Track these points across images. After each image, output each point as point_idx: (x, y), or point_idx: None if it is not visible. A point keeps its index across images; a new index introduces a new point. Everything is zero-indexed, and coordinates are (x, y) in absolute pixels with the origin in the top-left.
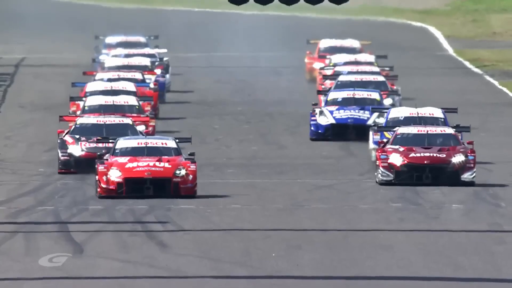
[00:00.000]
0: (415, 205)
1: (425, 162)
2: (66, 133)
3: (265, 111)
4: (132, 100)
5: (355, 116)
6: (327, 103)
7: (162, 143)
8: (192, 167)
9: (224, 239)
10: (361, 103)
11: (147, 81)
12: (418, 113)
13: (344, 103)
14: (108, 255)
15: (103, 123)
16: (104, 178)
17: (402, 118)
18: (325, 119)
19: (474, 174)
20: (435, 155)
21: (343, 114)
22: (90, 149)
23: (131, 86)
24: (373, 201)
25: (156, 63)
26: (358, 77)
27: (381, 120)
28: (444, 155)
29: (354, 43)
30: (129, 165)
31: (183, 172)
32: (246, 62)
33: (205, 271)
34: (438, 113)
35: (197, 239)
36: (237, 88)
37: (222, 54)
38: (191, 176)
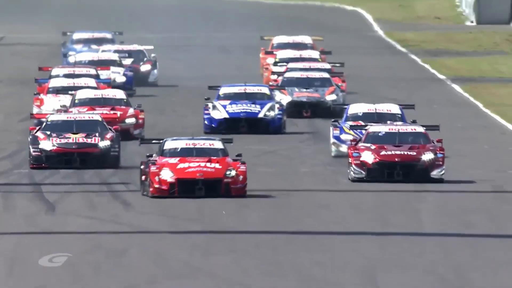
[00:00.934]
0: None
1: (396, 159)
2: (38, 130)
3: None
4: (120, 94)
5: (247, 110)
6: (219, 97)
7: (210, 144)
8: (242, 168)
9: (181, 200)
10: (252, 98)
11: (104, 76)
12: (376, 109)
13: (236, 98)
14: (77, 213)
15: (73, 119)
16: (157, 178)
17: (360, 114)
18: (218, 113)
19: (443, 172)
20: (405, 153)
21: (235, 108)
22: (61, 145)
23: (92, 82)
24: (312, 165)
25: (145, 59)
26: (304, 74)
27: (272, 114)
28: (415, 153)
29: (306, 39)
30: (181, 165)
31: (233, 172)
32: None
33: (164, 227)
34: (395, 109)
35: (157, 200)
36: (191, 65)
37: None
38: (241, 177)
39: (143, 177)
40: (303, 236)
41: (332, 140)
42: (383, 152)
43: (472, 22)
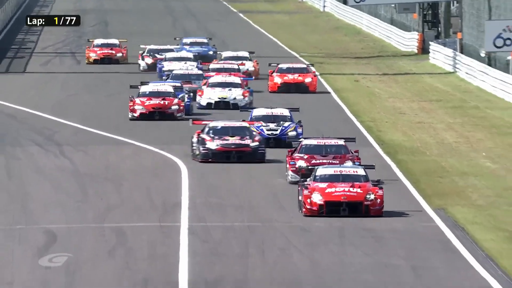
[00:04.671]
0: None
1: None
2: (201, 132)
3: None
4: (169, 88)
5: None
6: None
7: (354, 171)
8: (380, 192)
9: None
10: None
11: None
12: (272, 113)
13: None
14: None
15: (228, 126)
16: (308, 200)
17: (261, 116)
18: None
19: None
20: (330, 161)
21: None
22: (223, 145)
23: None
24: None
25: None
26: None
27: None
28: (338, 162)
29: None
30: (328, 190)
31: (372, 196)
32: None
33: None
34: (286, 112)
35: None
36: None
37: None
38: (379, 200)
39: (299, 197)
40: None
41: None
42: (313, 161)
43: None
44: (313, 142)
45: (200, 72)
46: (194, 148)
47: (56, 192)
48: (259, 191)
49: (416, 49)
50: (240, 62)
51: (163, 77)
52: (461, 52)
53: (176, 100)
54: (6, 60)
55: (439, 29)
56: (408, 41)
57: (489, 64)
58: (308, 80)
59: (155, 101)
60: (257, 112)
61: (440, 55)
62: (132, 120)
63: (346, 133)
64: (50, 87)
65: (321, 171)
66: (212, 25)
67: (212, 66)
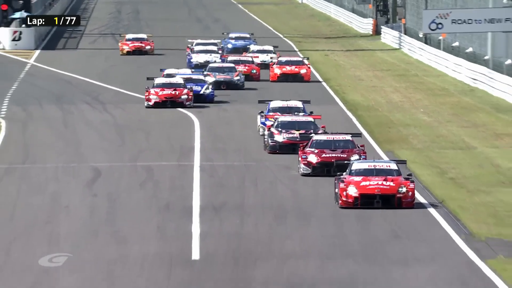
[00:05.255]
0: None
1: (332, 160)
2: (271, 127)
3: None
4: (180, 80)
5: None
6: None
7: (387, 166)
8: (411, 185)
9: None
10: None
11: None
12: (287, 105)
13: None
14: None
15: (295, 120)
16: (344, 193)
17: (277, 108)
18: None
19: None
20: (339, 155)
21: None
22: (289, 138)
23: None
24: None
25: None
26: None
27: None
28: (346, 155)
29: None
30: (363, 183)
31: (404, 189)
32: None
33: None
34: (299, 104)
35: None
36: None
37: None
38: (410, 193)
39: (336, 190)
40: None
41: (260, 124)
42: (323, 155)
43: None
44: (323, 137)
45: (232, 65)
46: (265, 140)
47: (100, 139)
48: (253, 139)
49: (371, 31)
50: (265, 54)
51: (192, 68)
52: (405, 33)
53: (185, 91)
54: (63, 40)
55: (388, 16)
56: (365, 25)
57: (426, 42)
58: (303, 71)
59: (167, 92)
60: (274, 104)
61: (389, 36)
62: (148, 108)
63: (319, 94)
64: (96, 59)
65: (356, 165)
66: (217, 14)
67: (230, 58)
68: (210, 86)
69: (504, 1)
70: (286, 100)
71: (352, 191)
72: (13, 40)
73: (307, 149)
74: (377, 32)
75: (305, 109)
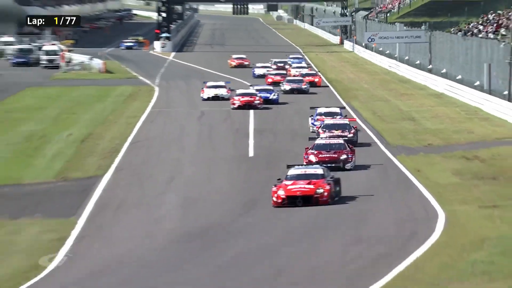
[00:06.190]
0: None
1: (326, 159)
2: (319, 128)
3: None
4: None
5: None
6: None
7: (314, 171)
8: (327, 187)
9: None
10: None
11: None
12: (330, 110)
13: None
14: None
15: (335, 123)
16: (275, 194)
17: (322, 113)
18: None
19: (352, 165)
20: (331, 155)
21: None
22: (320, 158)
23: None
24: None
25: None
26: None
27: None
28: (337, 155)
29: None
30: (290, 187)
31: (321, 190)
32: None
33: None
34: (337, 110)
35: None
36: None
37: None
38: (326, 193)
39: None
40: None
41: (310, 123)
42: (320, 155)
43: None
44: (323, 142)
45: (301, 78)
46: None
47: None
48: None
49: (339, 42)
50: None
51: (254, 78)
52: (356, 43)
53: (257, 97)
54: (186, 47)
55: (347, 34)
56: (336, 39)
57: (366, 48)
58: (316, 80)
59: (245, 98)
60: (320, 110)
61: (348, 44)
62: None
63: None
64: (203, 57)
65: (291, 171)
66: (262, 34)
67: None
68: (277, 93)
69: (404, 27)
70: (328, 107)
71: (281, 193)
72: (162, 47)
73: (309, 151)
74: (342, 42)
75: (342, 113)
